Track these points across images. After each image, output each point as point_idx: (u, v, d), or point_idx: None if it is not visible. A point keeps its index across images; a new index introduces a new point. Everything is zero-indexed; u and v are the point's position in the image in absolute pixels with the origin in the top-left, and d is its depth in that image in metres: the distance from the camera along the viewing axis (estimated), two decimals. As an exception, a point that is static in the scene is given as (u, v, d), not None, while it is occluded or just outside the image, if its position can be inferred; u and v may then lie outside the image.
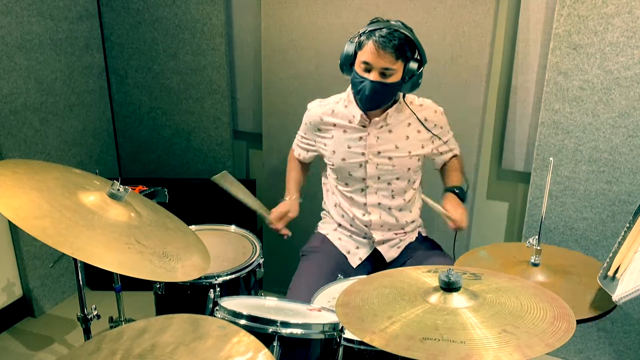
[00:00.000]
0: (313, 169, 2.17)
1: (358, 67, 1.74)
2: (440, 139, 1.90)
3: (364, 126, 1.85)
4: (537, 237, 1.46)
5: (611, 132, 2.11)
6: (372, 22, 1.75)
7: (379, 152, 1.85)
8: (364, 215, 1.92)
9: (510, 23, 2.31)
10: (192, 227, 1.94)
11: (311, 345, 1.40)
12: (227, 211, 2.79)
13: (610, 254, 1.34)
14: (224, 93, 2.79)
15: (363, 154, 1.86)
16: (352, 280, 1.71)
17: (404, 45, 1.69)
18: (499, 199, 2.54)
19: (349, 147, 1.87)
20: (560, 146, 2.21)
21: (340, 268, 1.91)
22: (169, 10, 2.72)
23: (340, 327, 1.41)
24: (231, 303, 1.49)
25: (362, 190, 1.90)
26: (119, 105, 2.98)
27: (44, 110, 2.57)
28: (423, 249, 1.97)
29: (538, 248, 1.46)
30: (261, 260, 1.90)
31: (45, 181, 1.41)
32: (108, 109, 2.97)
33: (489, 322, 1.07)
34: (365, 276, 1.46)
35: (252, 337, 1.05)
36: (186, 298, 1.78)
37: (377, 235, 1.93)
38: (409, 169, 1.89)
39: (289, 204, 2.02)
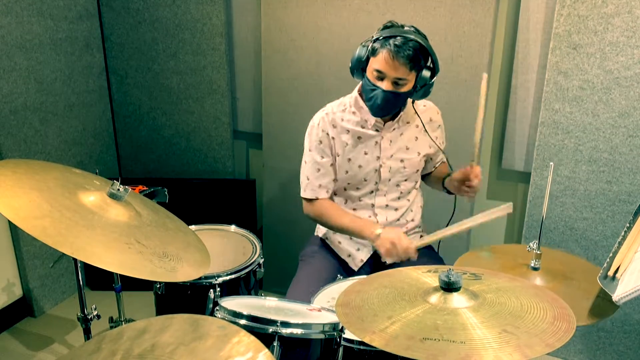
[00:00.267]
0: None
1: (370, 74, 1.70)
2: (439, 145, 1.91)
3: (377, 130, 1.83)
4: (537, 241, 1.46)
5: (611, 132, 2.11)
6: (385, 27, 1.69)
7: (392, 155, 1.85)
8: (370, 216, 1.91)
9: (510, 23, 2.31)
10: (192, 227, 1.94)
11: (311, 345, 1.40)
12: (227, 211, 2.80)
13: (610, 254, 1.34)
14: (224, 93, 2.79)
15: (378, 157, 1.85)
16: (352, 280, 1.71)
17: (418, 54, 1.64)
18: (499, 199, 2.54)
19: (365, 154, 1.85)
20: (560, 146, 2.21)
21: (340, 271, 1.91)
22: (169, 10, 2.72)
23: (340, 327, 1.41)
24: (231, 303, 1.49)
25: (372, 192, 1.90)
26: (119, 105, 2.98)
27: (44, 110, 2.57)
28: (422, 251, 1.96)
29: (538, 252, 1.46)
30: (261, 261, 1.90)
31: (45, 181, 1.41)
32: (108, 109, 2.97)
33: (489, 322, 1.07)
34: (365, 276, 1.46)
35: (252, 337, 1.05)
36: (186, 298, 1.78)
37: None
38: (417, 170, 1.90)
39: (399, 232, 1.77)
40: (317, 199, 1.88)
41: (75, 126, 2.76)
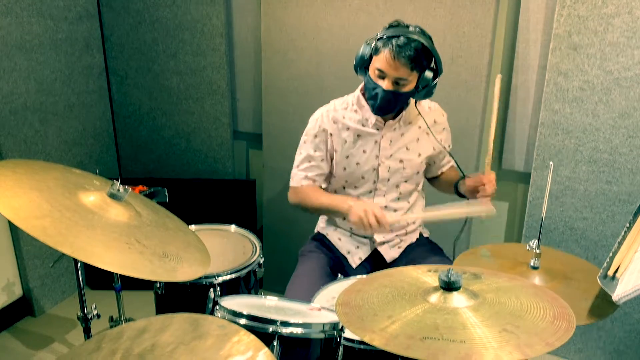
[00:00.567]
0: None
1: (372, 73, 1.71)
2: (445, 147, 1.90)
3: (377, 129, 1.83)
4: (537, 240, 1.46)
5: (611, 132, 2.12)
6: (390, 26, 1.69)
7: (391, 155, 1.85)
8: None
9: (510, 23, 2.32)
10: (192, 227, 1.94)
11: (311, 344, 1.40)
12: (227, 211, 2.80)
13: (610, 254, 1.34)
14: (224, 93, 2.79)
15: (377, 156, 1.85)
16: (352, 279, 1.71)
17: (420, 55, 1.64)
18: (499, 199, 2.54)
19: (364, 152, 1.85)
20: (560, 146, 2.21)
21: (339, 268, 1.91)
22: (169, 10, 2.72)
23: (340, 327, 1.41)
24: (231, 302, 1.49)
25: (371, 192, 1.90)
26: (119, 106, 2.99)
27: (43, 110, 2.57)
28: (423, 250, 1.97)
29: (538, 252, 1.46)
30: (261, 260, 1.90)
31: (45, 181, 1.41)
32: (108, 109, 2.97)
33: (489, 321, 1.07)
34: (365, 276, 1.46)
35: (252, 337, 1.05)
36: (186, 298, 1.78)
37: (379, 237, 1.93)
38: (418, 172, 1.90)
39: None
40: (301, 187, 1.91)
41: (75, 126, 2.76)
